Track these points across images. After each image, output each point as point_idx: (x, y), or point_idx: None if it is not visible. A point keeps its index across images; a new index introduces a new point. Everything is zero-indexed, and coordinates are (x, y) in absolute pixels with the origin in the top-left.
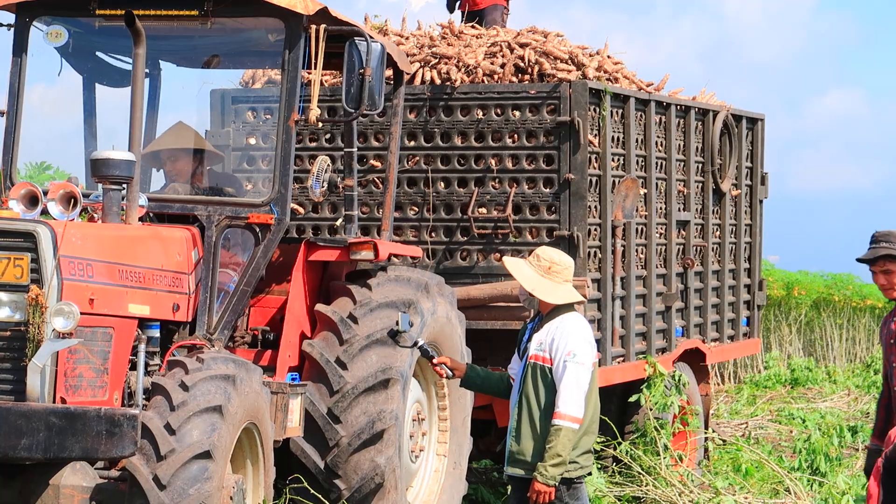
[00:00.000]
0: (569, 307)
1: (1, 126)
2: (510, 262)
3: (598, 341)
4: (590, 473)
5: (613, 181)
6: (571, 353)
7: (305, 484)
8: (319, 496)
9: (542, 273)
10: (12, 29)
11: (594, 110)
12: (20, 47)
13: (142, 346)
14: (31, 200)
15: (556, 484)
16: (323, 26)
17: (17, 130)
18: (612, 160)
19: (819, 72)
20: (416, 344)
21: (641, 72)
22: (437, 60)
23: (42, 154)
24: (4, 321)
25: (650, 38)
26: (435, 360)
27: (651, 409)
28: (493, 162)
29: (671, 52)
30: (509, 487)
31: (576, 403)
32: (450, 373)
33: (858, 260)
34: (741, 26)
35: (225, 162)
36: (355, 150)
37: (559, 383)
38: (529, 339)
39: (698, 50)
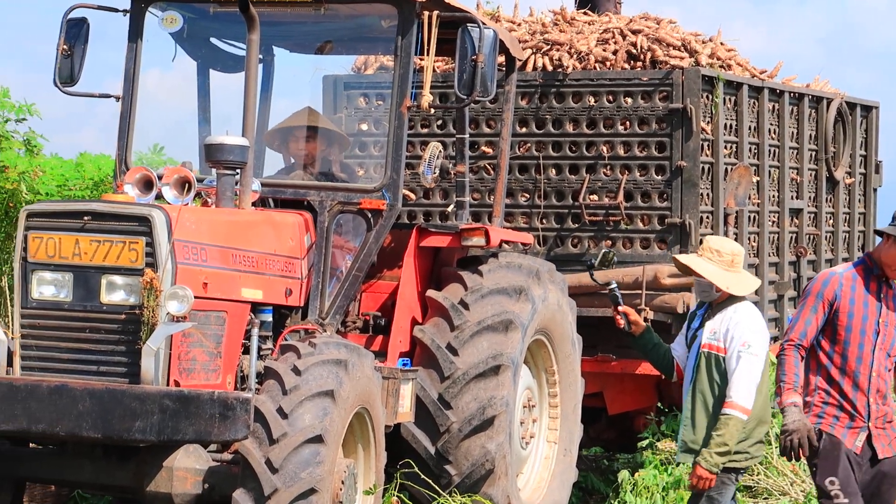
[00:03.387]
0: (740, 295)
1: (116, 111)
2: (692, 261)
3: None
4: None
5: (726, 169)
6: (746, 343)
7: (416, 469)
8: (430, 481)
9: (726, 267)
10: (128, 15)
11: (707, 97)
12: (135, 33)
13: (254, 331)
14: (146, 185)
15: (719, 472)
16: (436, 12)
17: (132, 115)
18: (725, 147)
19: None
20: (608, 285)
21: (760, 58)
22: (549, 47)
23: (156, 139)
24: (119, 304)
25: (771, 25)
26: (620, 308)
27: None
28: (604, 149)
29: (791, 38)
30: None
31: (747, 394)
32: (627, 325)
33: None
34: (864, 12)
35: (342, 147)
36: (467, 136)
37: (732, 373)
38: (700, 326)
39: (819, 36)
